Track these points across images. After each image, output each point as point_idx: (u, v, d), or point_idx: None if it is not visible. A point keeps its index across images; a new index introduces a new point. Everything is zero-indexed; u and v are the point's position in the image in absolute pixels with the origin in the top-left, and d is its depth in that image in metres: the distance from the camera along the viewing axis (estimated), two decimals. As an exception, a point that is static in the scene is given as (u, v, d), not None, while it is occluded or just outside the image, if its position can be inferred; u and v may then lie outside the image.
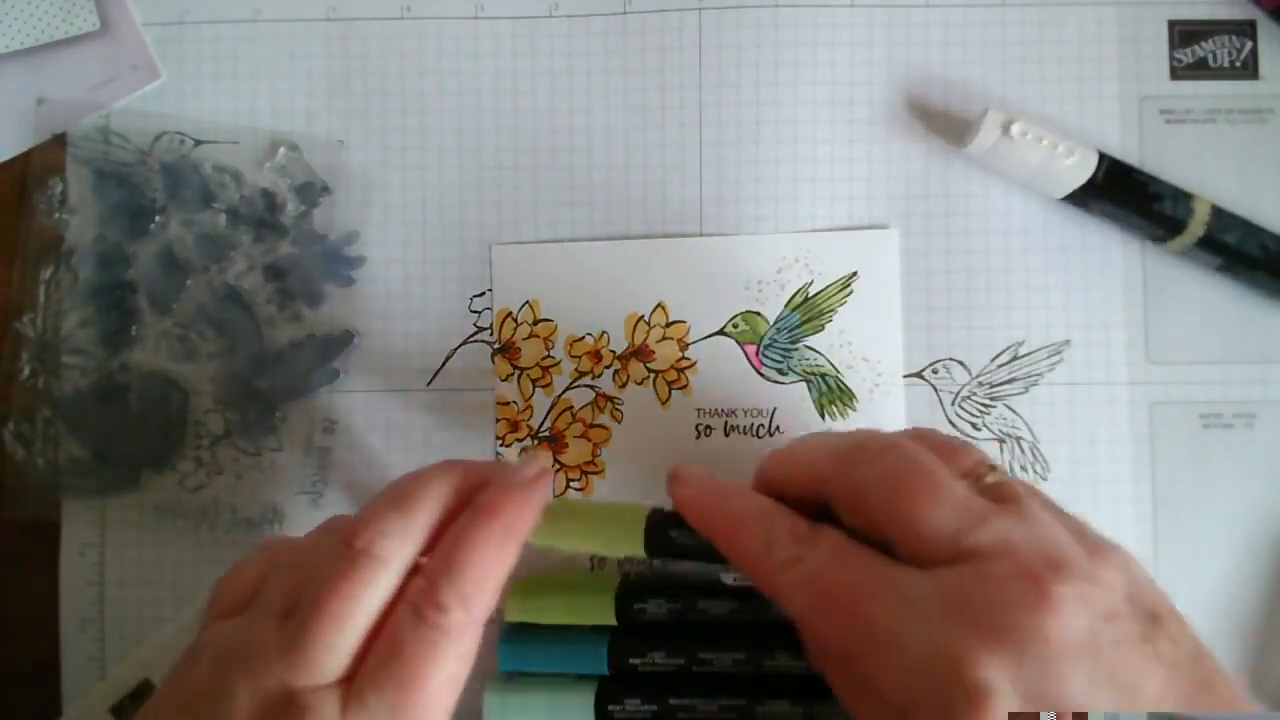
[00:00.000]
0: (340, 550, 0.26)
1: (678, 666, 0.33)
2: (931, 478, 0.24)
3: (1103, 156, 0.35)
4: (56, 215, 0.38)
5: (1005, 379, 0.37)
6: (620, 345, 0.37)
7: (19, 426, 0.37)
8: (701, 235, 0.37)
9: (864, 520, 0.25)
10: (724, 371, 0.37)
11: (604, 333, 0.37)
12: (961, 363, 0.37)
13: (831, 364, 0.37)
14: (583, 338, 0.37)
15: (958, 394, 0.37)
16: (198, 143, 0.38)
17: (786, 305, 0.37)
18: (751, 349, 0.37)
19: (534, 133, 0.38)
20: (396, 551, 0.26)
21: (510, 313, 0.38)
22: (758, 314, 0.37)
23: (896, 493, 0.24)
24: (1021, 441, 0.37)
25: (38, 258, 0.38)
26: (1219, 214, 0.35)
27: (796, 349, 0.37)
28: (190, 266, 0.38)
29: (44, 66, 0.38)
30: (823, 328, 0.37)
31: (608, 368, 0.37)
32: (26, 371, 0.37)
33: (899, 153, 0.37)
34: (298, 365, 0.37)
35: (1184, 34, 0.37)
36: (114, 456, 0.37)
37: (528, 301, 0.37)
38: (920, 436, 0.27)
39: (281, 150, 0.38)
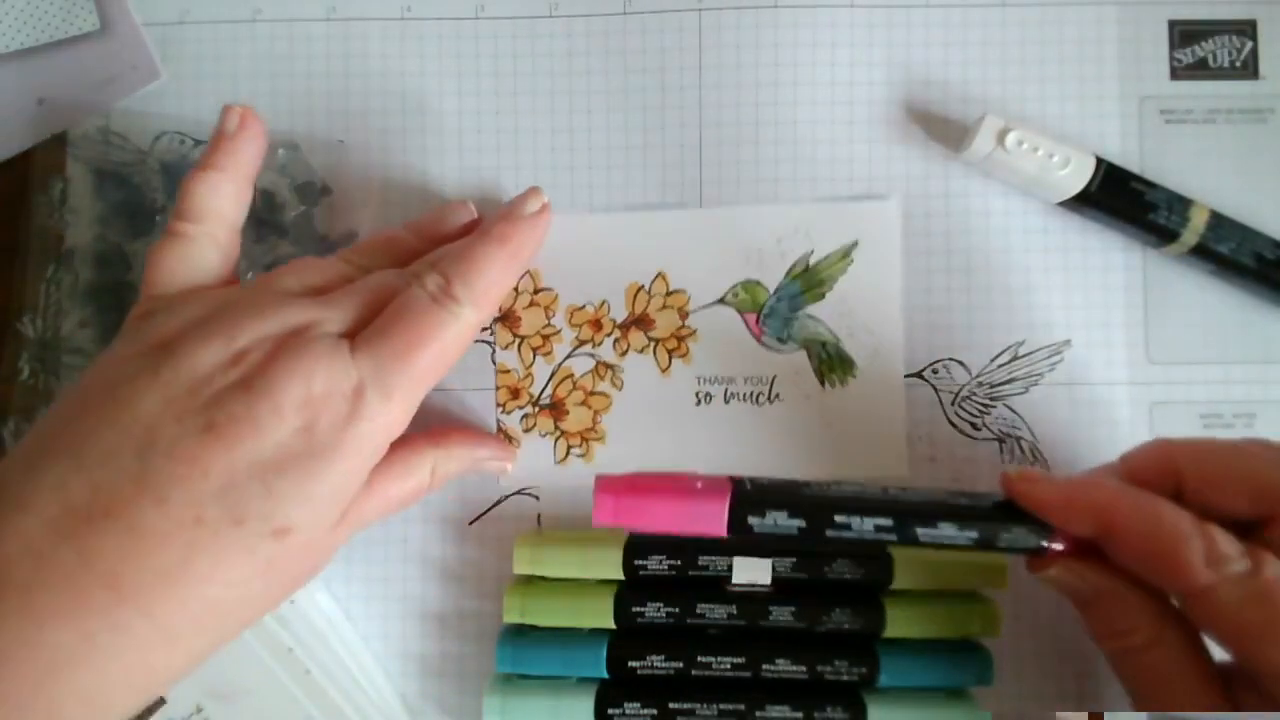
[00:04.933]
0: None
1: (676, 670, 0.33)
2: None
3: (1100, 163, 0.35)
4: (56, 215, 0.38)
5: (1005, 379, 0.37)
6: (620, 314, 0.37)
7: (19, 426, 0.37)
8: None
9: None
10: (724, 340, 0.37)
11: (604, 302, 0.37)
12: (961, 363, 0.37)
13: (831, 332, 0.37)
14: (583, 306, 0.37)
15: (958, 394, 0.37)
16: (198, 143, 0.38)
17: (787, 274, 0.37)
18: (751, 317, 0.37)
19: (534, 133, 0.38)
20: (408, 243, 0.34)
21: None
22: (758, 283, 0.37)
23: None
24: (1021, 441, 0.37)
25: (38, 258, 0.38)
26: (1216, 222, 0.35)
27: (797, 317, 0.37)
28: (190, 266, 0.37)
29: (44, 66, 0.38)
30: (823, 296, 0.37)
31: (608, 336, 0.37)
32: (26, 371, 0.37)
33: (899, 153, 0.37)
34: (298, 365, 0.37)
35: (1184, 34, 0.37)
36: (114, 456, 0.37)
37: (528, 271, 0.38)
38: None
39: (281, 150, 0.38)
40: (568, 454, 0.37)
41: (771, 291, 0.37)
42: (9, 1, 0.37)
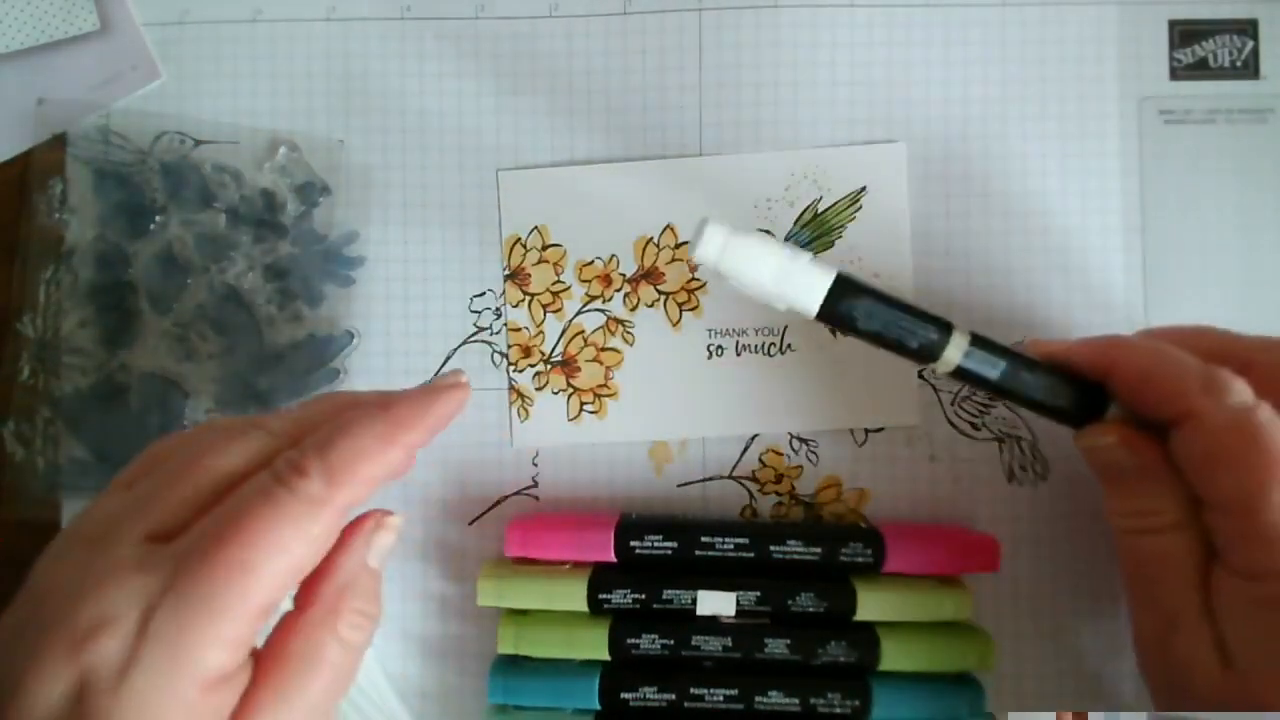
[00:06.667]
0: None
1: (669, 703, 0.33)
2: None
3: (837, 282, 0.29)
4: (56, 215, 0.38)
5: (1005, 379, 0.37)
6: (630, 268, 0.37)
7: (19, 426, 0.37)
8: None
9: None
10: (734, 292, 0.37)
11: (613, 256, 0.37)
12: (961, 363, 0.37)
13: None
14: (592, 261, 0.37)
15: (958, 394, 0.37)
16: (198, 143, 0.38)
17: (796, 223, 0.37)
18: None
19: (534, 132, 0.38)
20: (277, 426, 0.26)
21: (519, 238, 0.38)
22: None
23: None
24: (1021, 441, 0.37)
25: (38, 258, 0.38)
26: (977, 344, 0.30)
27: None
28: (190, 266, 0.38)
29: (44, 66, 0.38)
30: (832, 244, 0.37)
31: (618, 291, 0.37)
32: (26, 371, 0.37)
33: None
34: (298, 365, 0.37)
35: (1184, 34, 0.37)
36: (114, 456, 0.37)
37: (536, 227, 0.38)
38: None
39: (281, 150, 0.38)
40: (580, 411, 0.37)
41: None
42: (9, 1, 0.37)
